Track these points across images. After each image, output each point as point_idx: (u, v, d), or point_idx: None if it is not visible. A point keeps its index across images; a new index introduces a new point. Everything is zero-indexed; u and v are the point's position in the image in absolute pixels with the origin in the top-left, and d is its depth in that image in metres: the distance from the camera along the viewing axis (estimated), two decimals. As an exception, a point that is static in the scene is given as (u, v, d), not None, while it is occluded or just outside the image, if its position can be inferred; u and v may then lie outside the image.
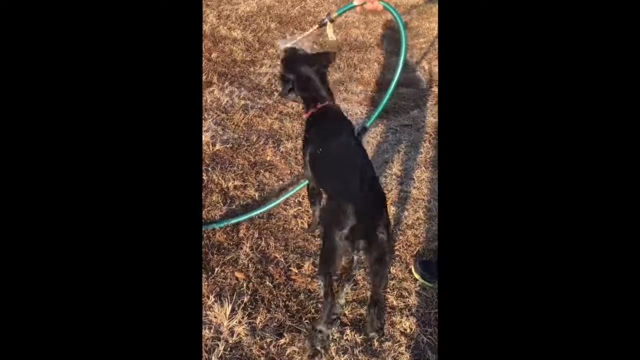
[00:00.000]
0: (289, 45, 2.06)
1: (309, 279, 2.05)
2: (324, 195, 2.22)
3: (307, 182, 2.18)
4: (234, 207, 2.44)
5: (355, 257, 2.11)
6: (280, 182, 2.67)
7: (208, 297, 1.90)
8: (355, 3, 1.85)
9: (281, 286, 2.01)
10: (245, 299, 1.91)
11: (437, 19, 4.45)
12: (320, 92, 1.97)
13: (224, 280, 2.01)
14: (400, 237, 2.34)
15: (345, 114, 2.06)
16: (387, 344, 1.79)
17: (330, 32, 1.98)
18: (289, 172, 2.76)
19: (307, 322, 1.85)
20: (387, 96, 2.02)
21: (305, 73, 1.98)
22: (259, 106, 3.40)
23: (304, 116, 2.03)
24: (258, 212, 2.32)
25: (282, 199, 2.34)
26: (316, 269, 2.06)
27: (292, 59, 2.07)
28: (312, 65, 1.99)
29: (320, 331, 1.74)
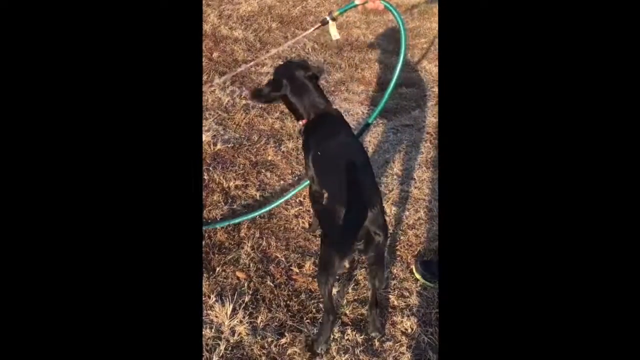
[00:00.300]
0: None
1: (310, 279, 2.05)
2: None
3: (307, 182, 2.18)
4: (235, 206, 2.44)
5: (355, 257, 2.11)
6: (282, 182, 2.67)
7: (209, 297, 1.90)
8: (356, 2, 1.85)
9: (282, 286, 2.01)
10: (246, 299, 1.92)
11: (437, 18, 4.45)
12: (316, 98, 1.96)
13: (225, 280, 2.01)
14: (402, 237, 2.34)
15: (345, 115, 2.05)
16: (388, 343, 1.79)
17: (333, 30, 1.98)
18: (290, 171, 2.76)
19: (307, 322, 1.85)
20: (388, 93, 2.02)
21: (299, 78, 1.96)
22: (260, 106, 3.40)
23: (300, 123, 2.00)
24: (258, 212, 2.32)
25: (282, 200, 2.34)
26: (317, 269, 2.06)
27: (285, 65, 2.07)
28: (306, 71, 1.98)
29: (321, 352, 1.74)
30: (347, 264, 2.11)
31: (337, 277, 2.04)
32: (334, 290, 1.99)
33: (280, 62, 2.14)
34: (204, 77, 3.66)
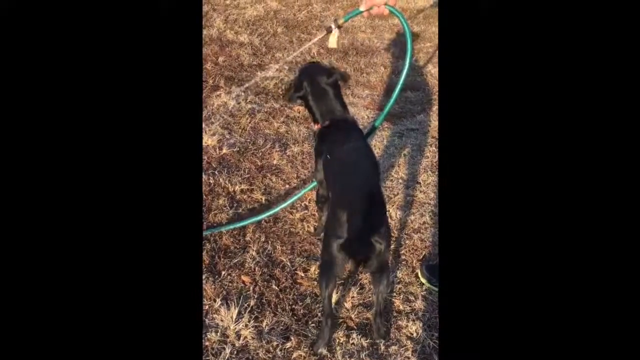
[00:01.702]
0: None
1: (315, 283, 2.05)
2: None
3: (312, 185, 2.18)
4: (240, 210, 2.45)
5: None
6: (287, 186, 2.68)
7: (214, 301, 1.91)
8: (362, 8, 1.86)
9: (287, 290, 2.02)
10: (252, 303, 1.92)
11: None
12: (333, 105, 1.97)
13: (230, 284, 2.02)
14: (407, 242, 2.34)
15: (358, 123, 2.06)
16: (394, 348, 1.79)
17: (333, 39, 1.99)
18: (295, 175, 2.77)
19: (312, 326, 1.85)
20: (394, 96, 2.04)
21: (320, 84, 1.97)
22: (265, 110, 3.41)
23: (315, 127, 2.02)
24: (263, 216, 2.32)
25: (286, 203, 2.34)
26: (318, 272, 2.06)
27: (310, 67, 2.08)
28: (329, 77, 1.98)
29: (321, 353, 1.74)
30: (348, 268, 2.11)
31: (340, 281, 2.04)
32: (338, 295, 1.99)
33: (303, 64, 2.13)
34: (210, 82, 3.68)
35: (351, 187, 1.70)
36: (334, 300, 1.88)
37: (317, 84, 1.97)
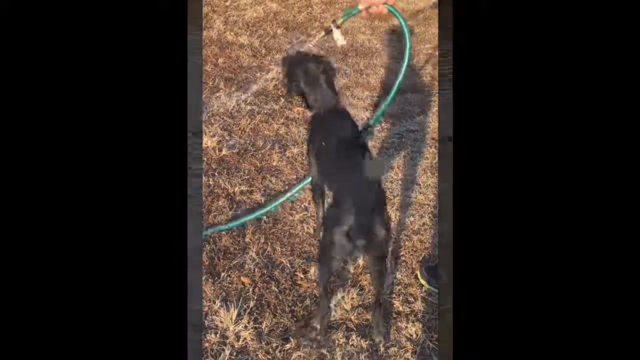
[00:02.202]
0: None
1: (315, 284, 2.05)
2: (327, 194, 2.22)
3: (307, 181, 2.19)
4: (240, 212, 2.45)
5: (361, 262, 2.11)
6: (287, 187, 2.68)
7: (214, 302, 1.91)
8: (360, 7, 1.86)
9: (287, 291, 2.02)
10: (251, 304, 1.92)
11: (443, 24, 4.43)
12: (326, 91, 1.99)
13: (229, 285, 2.02)
14: (406, 243, 2.34)
15: (350, 114, 2.07)
16: (393, 349, 1.79)
17: (337, 35, 1.99)
18: (294, 177, 2.77)
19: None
20: (391, 95, 2.04)
21: (312, 72, 1.99)
22: (265, 111, 3.41)
23: (309, 114, 2.05)
24: (259, 213, 2.33)
25: (283, 199, 2.36)
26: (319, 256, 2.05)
27: (298, 59, 2.09)
28: (319, 64, 2.01)
29: (317, 339, 1.74)
30: (349, 260, 2.10)
31: (340, 282, 2.04)
32: (338, 297, 1.99)
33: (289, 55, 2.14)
34: (210, 83, 3.68)
35: (352, 177, 1.71)
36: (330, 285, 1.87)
37: (309, 72, 2.00)
